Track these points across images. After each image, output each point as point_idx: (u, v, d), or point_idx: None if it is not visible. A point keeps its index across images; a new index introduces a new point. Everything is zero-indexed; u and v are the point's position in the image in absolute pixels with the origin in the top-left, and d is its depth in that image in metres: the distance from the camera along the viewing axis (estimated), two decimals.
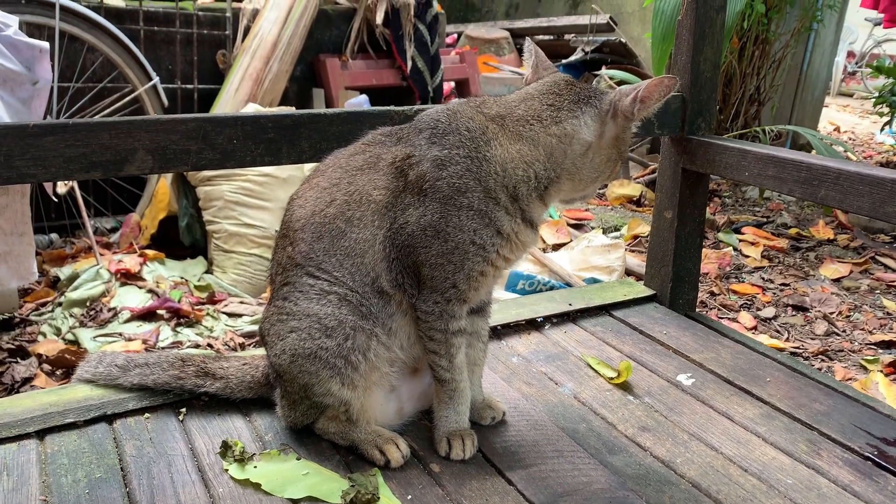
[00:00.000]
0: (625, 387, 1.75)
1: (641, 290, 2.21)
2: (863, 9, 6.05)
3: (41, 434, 1.48)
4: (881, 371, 3.38)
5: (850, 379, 3.37)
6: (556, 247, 4.33)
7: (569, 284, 2.87)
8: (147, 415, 1.55)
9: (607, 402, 1.69)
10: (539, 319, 2.07)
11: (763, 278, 4.34)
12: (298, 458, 1.44)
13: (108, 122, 1.39)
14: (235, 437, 1.50)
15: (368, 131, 1.53)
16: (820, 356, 3.58)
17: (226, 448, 1.43)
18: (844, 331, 3.82)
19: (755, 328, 3.75)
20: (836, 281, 4.19)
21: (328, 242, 1.41)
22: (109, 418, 1.53)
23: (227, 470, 1.40)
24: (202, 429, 1.52)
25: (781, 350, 3.53)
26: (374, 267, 1.40)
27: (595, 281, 2.89)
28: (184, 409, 1.57)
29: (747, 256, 4.47)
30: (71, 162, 1.37)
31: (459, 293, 1.38)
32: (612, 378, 1.77)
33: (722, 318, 3.78)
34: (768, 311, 3.96)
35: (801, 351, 3.57)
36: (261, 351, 1.55)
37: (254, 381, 1.58)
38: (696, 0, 1.94)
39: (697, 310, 3.75)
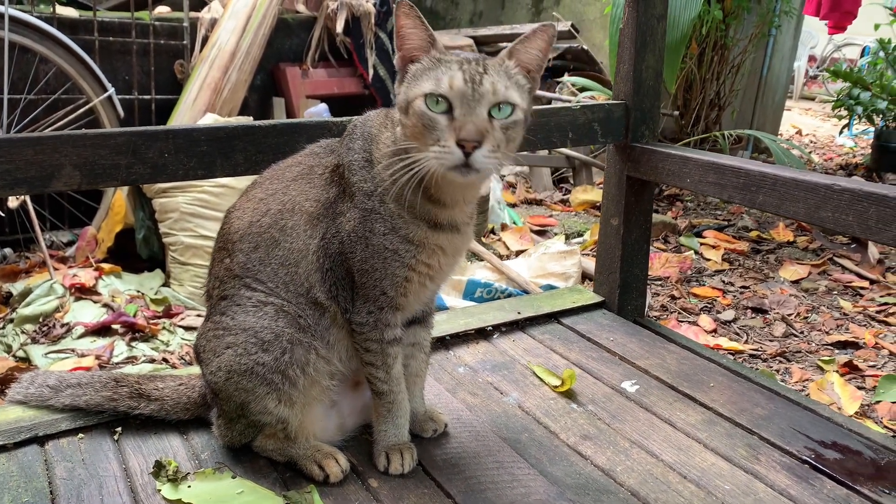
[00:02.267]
0: (569, 395, 1.75)
1: (590, 297, 2.22)
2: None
3: None
4: (837, 371, 3.42)
5: (807, 380, 3.41)
6: (520, 253, 4.34)
7: (526, 291, 2.87)
8: (81, 435, 1.52)
9: (551, 410, 1.69)
10: (488, 328, 2.07)
11: (723, 281, 4.38)
12: (234, 477, 1.42)
13: (32, 138, 1.36)
14: (171, 456, 1.48)
15: (306, 144, 1.52)
16: (778, 358, 3.61)
17: (159, 468, 1.41)
18: (802, 332, 3.86)
19: (715, 331, 3.78)
20: (795, 282, 4.23)
21: (264, 252, 1.40)
22: (41, 440, 1.50)
23: (159, 490, 1.37)
24: (137, 448, 1.50)
25: (740, 352, 3.57)
26: (308, 277, 1.38)
27: (551, 287, 2.89)
28: (119, 429, 1.55)
29: (708, 260, 4.50)
30: None
31: (389, 300, 1.37)
32: (556, 386, 1.77)
33: (682, 321, 3.80)
34: (728, 314, 3.99)
35: (759, 353, 3.60)
36: (198, 369, 1.53)
37: (190, 402, 1.55)
38: (636, 9, 1.95)
39: (658, 314, 3.76)
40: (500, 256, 4.27)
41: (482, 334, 2.05)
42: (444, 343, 1.98)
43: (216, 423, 1.49)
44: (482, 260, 3.06)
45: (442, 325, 2.01)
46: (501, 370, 1.87)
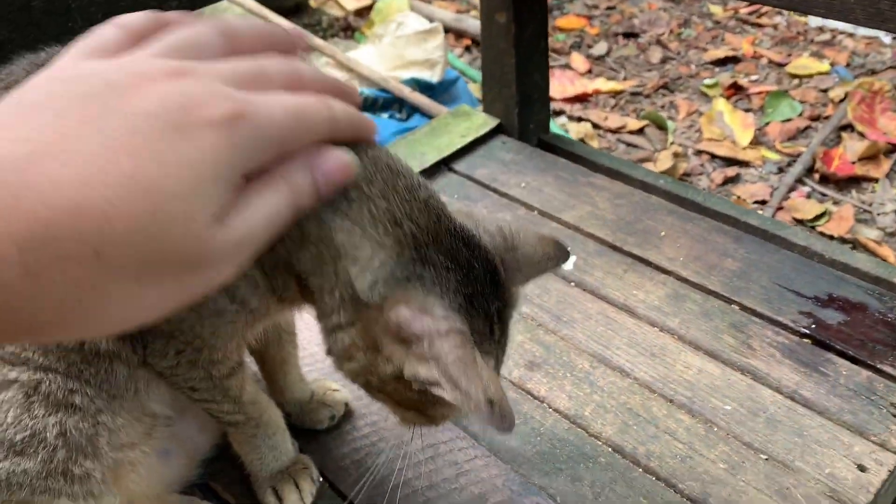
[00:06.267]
0: None
1: (482, 121, 1.68)
2: None
3: None
4: (723, 96, 3.20)
5: (694, 112, 3.16)
6: (360, 12, 3.67)
7: (385, 90, 2.29)
8: None
9: None
10: None
11: (587, 5, 3.95)
12: None
13: None
14: None
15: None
16: (661, 91, 3.34)
17: None
18: (679, 53, 3.58)
19: (590, 71, 3.43)
20: None
21: None
22: None
23: None
24: None
25: (621, 93, 3.24)
26: None
27: (417, 82, 2.31)
28: None
29: None
30: None
31: (208, 342, 0.82)
32: None
33: (554, 65, 3.39)
34: (600, 47, 3.64)
35: (641, 89, 3.30)
36: None
37: None
38: None
39: None
40: (337, 21, 3.58)
41: None
42: None
43: None
44: (325, 55, 2.39)
45: None
46: None
